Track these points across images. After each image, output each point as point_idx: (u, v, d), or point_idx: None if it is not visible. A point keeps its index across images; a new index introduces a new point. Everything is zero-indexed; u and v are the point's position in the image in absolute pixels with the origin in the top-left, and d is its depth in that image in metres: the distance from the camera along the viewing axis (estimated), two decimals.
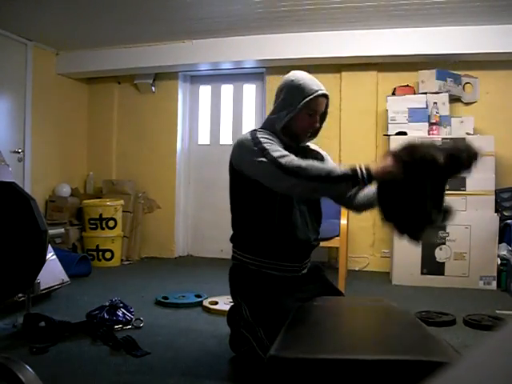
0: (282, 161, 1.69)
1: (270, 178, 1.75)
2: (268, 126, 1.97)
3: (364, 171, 1.58)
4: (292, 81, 1.94)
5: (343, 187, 1.66)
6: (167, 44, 4.69)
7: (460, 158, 1.53)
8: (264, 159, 1.73)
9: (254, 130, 1.93)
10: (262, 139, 1.82)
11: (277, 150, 1.75)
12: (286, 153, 1.74)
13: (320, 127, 2.03)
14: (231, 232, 2.05)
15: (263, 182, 1.79)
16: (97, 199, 4.89)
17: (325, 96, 1.95)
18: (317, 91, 1.90)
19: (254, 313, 1.89)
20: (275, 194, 1.86)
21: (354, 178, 1.59)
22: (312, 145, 2.15)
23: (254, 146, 1.80)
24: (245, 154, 1.85)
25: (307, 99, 1.88)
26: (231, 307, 2.32)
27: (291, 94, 1.92)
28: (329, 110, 2.01)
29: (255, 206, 1.93)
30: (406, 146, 1.58)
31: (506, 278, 3.63)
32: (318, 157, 2.07)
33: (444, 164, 1.49)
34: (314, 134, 2.04)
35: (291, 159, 1.70)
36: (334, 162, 2.14)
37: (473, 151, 1.56)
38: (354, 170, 1.59)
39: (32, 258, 1.79)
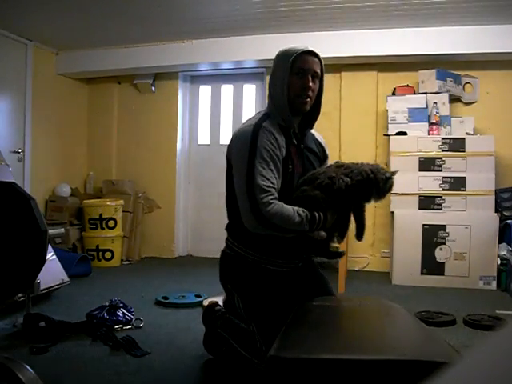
0: (259, 191, 1.65)
1: (239, 195, 1.73)
2: (271, 109, 1.85)
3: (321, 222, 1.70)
4: (277, 55, 1.87)
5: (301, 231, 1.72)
6: (167, 44, 4.69)
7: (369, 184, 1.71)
8: (245, 175, 1.69)
9: (258, 126, 1.77)
10: (259, 149, 1.70)
11: (263, 175, 1.67)
12: (269, 181, 1.68)
13: (320, 99, 1.89)
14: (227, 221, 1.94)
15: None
16: (97, 199, 4.89)
17: (313, 54, 1.82)
18: (301, 49, 1.81)
19: (248, 306, 1.82)
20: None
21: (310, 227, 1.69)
22: (316, 134, 2.05)
23: (248, 152, 1.71)
24: (237, 153, 1.77)
25: (291, 59, 1.78)
26: (207, 306, 2.27)
27: (277, 65, 1.84)
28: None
29: None
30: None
31: (506, 278, 3.62)
32: (318, 147, 1.99)
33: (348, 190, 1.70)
34: (316, 109, 1.89)
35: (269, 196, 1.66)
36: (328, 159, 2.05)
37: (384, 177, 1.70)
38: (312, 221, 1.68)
39: (32, 257, 1.79)
